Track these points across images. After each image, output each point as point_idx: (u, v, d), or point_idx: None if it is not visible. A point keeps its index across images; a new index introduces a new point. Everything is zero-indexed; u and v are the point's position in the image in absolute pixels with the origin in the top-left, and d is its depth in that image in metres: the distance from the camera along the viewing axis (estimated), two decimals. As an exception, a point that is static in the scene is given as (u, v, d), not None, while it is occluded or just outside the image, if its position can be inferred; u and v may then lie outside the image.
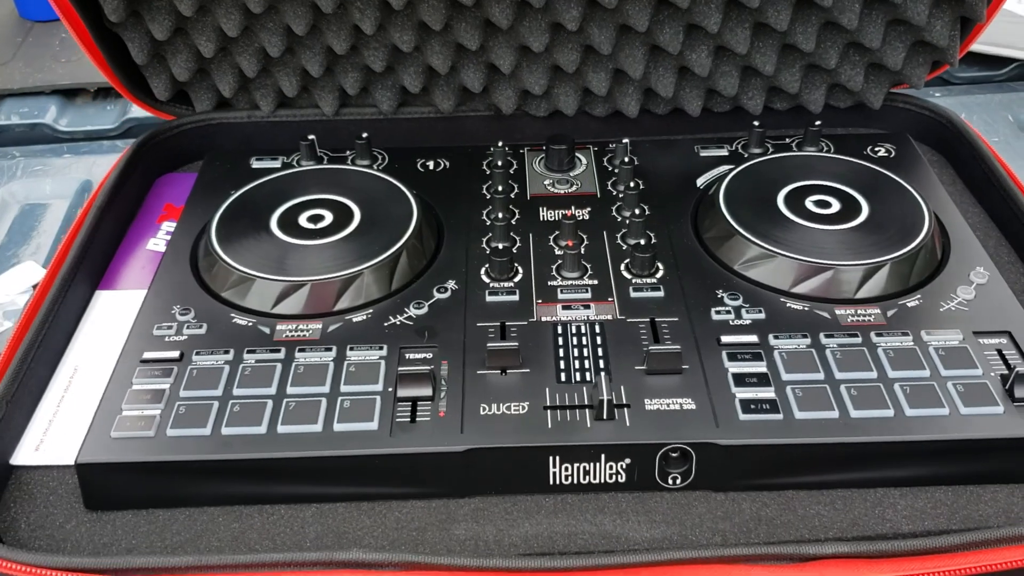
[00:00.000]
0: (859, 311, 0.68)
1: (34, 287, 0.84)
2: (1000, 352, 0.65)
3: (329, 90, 0.92)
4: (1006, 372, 0.63)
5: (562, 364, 0.64)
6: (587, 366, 0.64)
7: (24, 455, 0.63)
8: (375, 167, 0.86)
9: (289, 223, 0.76)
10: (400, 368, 0.63)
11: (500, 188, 0.81)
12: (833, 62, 0.87)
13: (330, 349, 0.66)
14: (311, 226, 0.75)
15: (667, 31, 0.85)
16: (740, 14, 0.85)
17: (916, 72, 0.89)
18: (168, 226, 0.85)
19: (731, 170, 0.81)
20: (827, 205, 0.76)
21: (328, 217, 0.76)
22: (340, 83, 0.91)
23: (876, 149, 0.87)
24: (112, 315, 0.75)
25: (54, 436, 0.65)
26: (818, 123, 0.86)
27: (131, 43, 0.86)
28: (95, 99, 1.16)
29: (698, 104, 0.91)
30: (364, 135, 0.87)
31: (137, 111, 1.11)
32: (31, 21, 1.31)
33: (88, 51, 0.85)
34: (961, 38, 0.87)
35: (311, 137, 0.86)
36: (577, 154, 0.87)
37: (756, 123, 0.86)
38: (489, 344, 0.64)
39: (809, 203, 0.76)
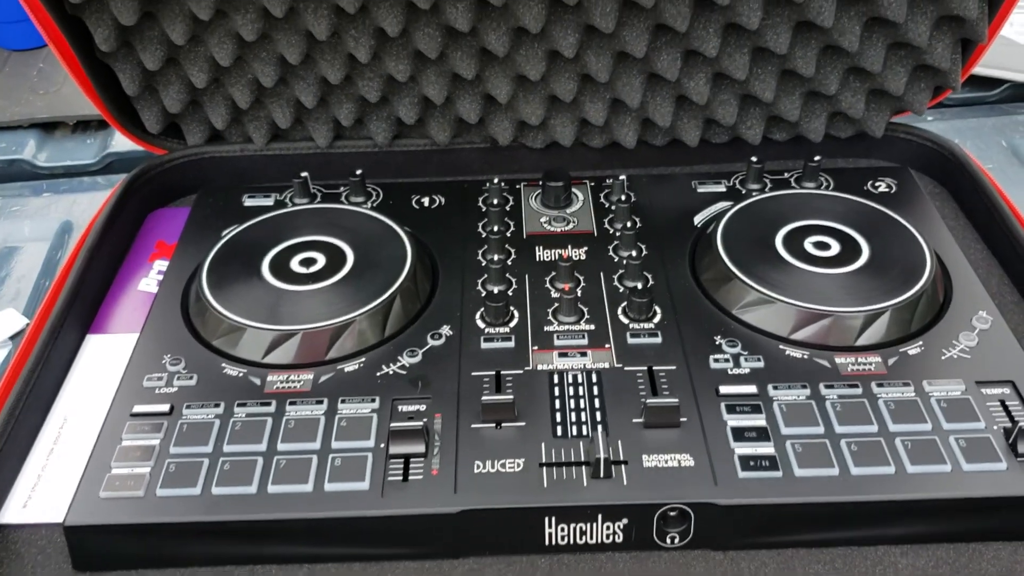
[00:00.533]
0: (859, 359, 0.67)
1: (12, 338, 0.83)
2: (1003, 403, 0.64)
3: (323, 121, 0.91)
4: (1009, 425, 0.62)
5: (558, 417, 0.63)
6: (584, 419, 0.63)
7: (11, 513, 0.62)
8: (369, 204, 0.85)
9: (281, 267, 0.75)
10: (392, 424, 0.62)
11: (496, 228, 0.80)
12: (834, 88, 0.86)
13: (321, 402, 0.65)
14: (303, 270, 0.74)
15: (665, 57, 0.84)
16: (739, 38, 0.83)
17: (918, 98, 0.88)
18: (160, 265, 0.84)
19: (729, 208, 0.80)
20: (826, 247, 0.75)
21: (321, 260, 0.75)
22: (334, 114, 0.90)
23: (877, 184, 0.85)
24: (103, 361, 0.74)
25: (42, 492, 0.64)
26: (817, 158, 0.85)
27: (122, 74, 0.85)
28: (74, 132, 1.14)
29: (696, 134, 0.90)
30: (358, 172, 0.86)
31: (118, 145, 1.09)
32: (7, 50, 1.28)
33: (80, 82, 0.84)
34: (962, 61, 0.86)
35: (304, 175, 0.85)
36: (574, 190, 0.86)
37: (754, 159, 0.85)
38: (484, 398, 0.63)
39: (808, 244, 0.75)
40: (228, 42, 0.83)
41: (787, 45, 0.82)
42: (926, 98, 0.88)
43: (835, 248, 0.75)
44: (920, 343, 0.68)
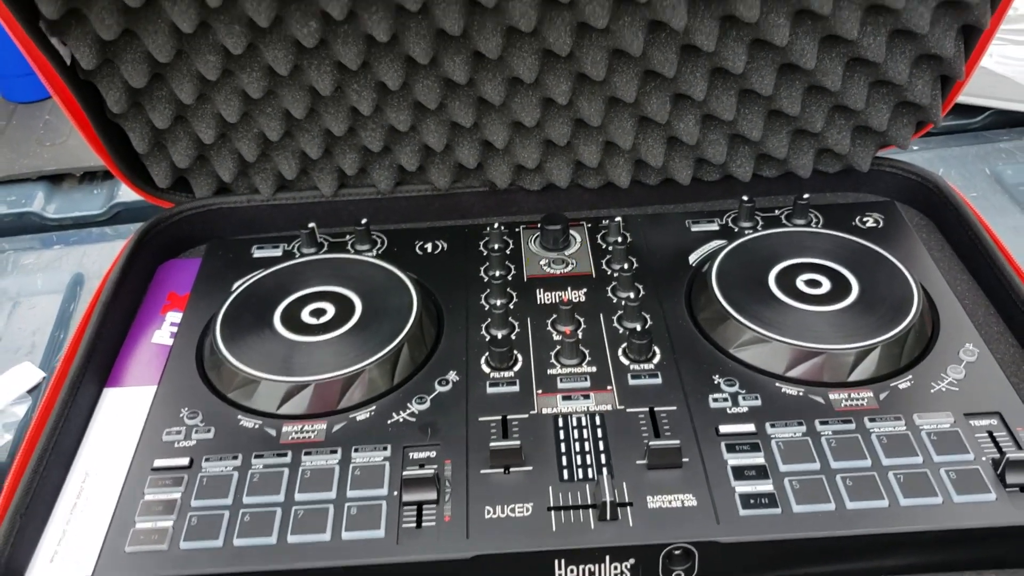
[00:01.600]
0: (852, 395, 0.70)
1: (30, 392, 0.85)
2: (991, 434, 0.66)
3: (328, 171, 0.93)
4: (997, 456, 0.64)
5: (564, 460, 0.66)
6: (589, 461, 0.66)
7: (40, 569, 0.64)
8: (374, 251, 0.88)
9: (292, 318, 0.77)
10: (404, 472, 0.64)
11: (497, 273, 0.83)
12: (819, 125, 0.89)
13: (335, 451, 0.67)
14: (313, 321, 0.77)
15: (654, 101, 0.87)
16: (725, 81, 0.86)
17: (902, 133, 0.91)
18: (172, 316, 0.86)
19: (722, 247, 0.83)
20: (818, 284, 0.78)
21: (330, 310, 0.78)
22: (338, 164, 0.93)
23: (864, 219, 0.88)
24: (121, 414, 0.76)
25: (68, 546, 0.66)
26: (806, 196, 0.88)
27: (132, 132, 0.88)
28: (81, 183, 1.17)
29: (688, 173, 0.93)
30: (364, 221, 0.88)
31: (125, 195, 1.12)
32: (14, 103, 1.30)
33: (90, 141, 0.87)
34: (943, 95, 0.89)
35: (311, 225, 0.88)
36: (571, 231, 0.89)
37: (745, 197, 0.88)
38: (492, 443, 0.65)
39: (800, 282, 0.78)
40: (235, 99, 0.86)
41: (772, 87, 0.85)
42: (910, 132, 0.91)
43: (826, 285, 0.78)
44: (910, 377, 0.71)
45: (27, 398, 0.85)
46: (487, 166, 0.93)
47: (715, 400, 0.70)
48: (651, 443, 0.64)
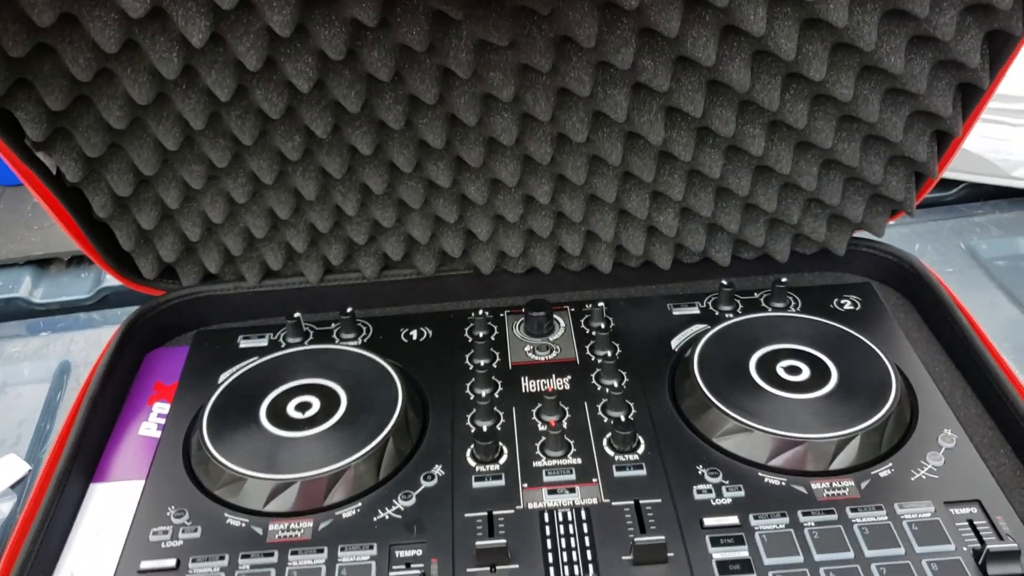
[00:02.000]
0: (834, 483, 0.70)
1: (14, 486, 0.85)
2: (971, 522, 0.67)
3: (313, 259, 0.95)
4: (978, 546, 0.65)
5: (550, 558, 0.66)
6: (575, 558, 0.66)
7: None
8: (359, 339, 0.89)
9: (278, 413, 0.78)
10: (391, 573, 0.64)
11: (482, 362, 0.84)
12: (796, 218, 0.91)
13: (322, 551, 0.67)
14: (299, 415, 0.77)
15: (634, 199, 0.89)
16: (703, 181, 0.88)
17: (877, 221, 0.93)
18: (159, 407, 0.86)
19: (703, 332, 0.84)
20: (797, 371, 0.79)
21: (316, 404, 0.78)
22: (324, 253, 0.94)
23: (842, 302, 0.90)
24: (107, 511, 0.76)
25: (53, 654, 0.66)
26: (784, 280, 0.89)
27: (119, 231, 0.89)
28: (69, 267, 1.17)
29: (668, 259, 0.95)
30: (349, 309, 0.89)
31: (112, 279, 1.12)
32: (1, 187, 1.31)
33: (76, 239, 0.88)
34: (916, 187, 0.91)
35: (297, 315, 0.89)
36: (555, 316, 0.90)
37: (724, 282, 0.90)
38: (478, 543, 0.66)
39: (780, 369, 0.79)
40: (220, 201, 0.87)
41: (748, 188, 0.87)
42: (884, 221, 0.93)
43: (806, 372, 0.79)
44: (890, 464, 0.72)
45: (11, 494, 0.85)
46: (471, 253, 0.95)
47: (699, 492, 0.70)
48: (636, 539, 0.65)
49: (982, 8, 0.74)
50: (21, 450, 0.91)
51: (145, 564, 0.67)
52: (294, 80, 0.76)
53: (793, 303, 0.90)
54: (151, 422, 0.85)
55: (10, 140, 0.78)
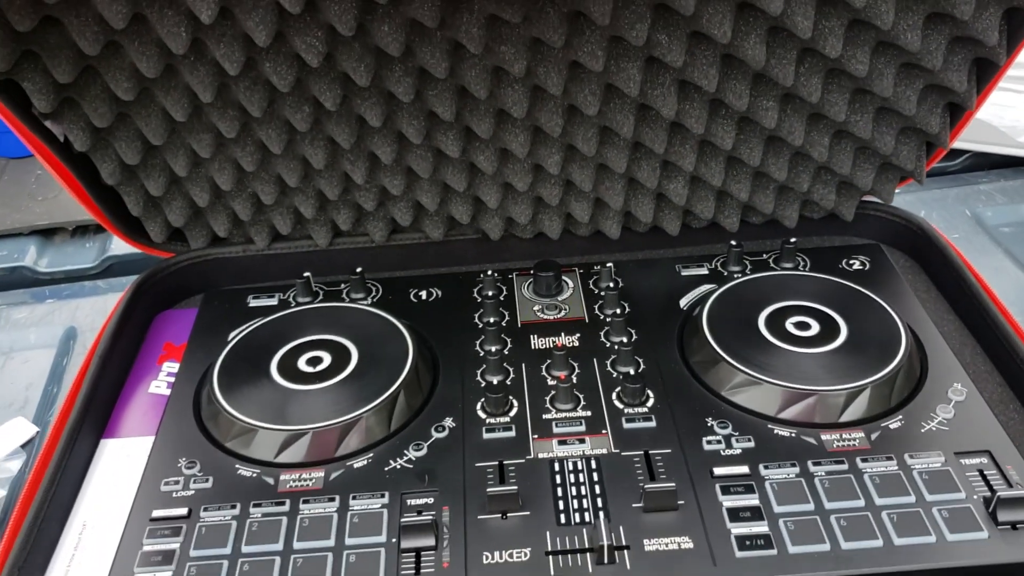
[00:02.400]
0: (844, 435, 0.71)
1: (23, 446, 0.85)
2: (981, 472, 0.67)
3: (322, 223, 0.95)
4: (988, 494, 0.65)
5: (561, 505, 0.66)
6: (586, 506, 0.66)
7: (37, 622, 0.64)
8: (369, 299, 0.89)
9: (288, 367, 0.78)
10: (402, 519, 0.64)
11: (491, 319, 0.84)
12: (806, 185, 0.91)
13: (333, 499, 0.67)
14: (310, 369, 0.78)
15: (644, 168, 0.89)
16: (714, 151, 0.88)
17: (886, 188, 0.93)
18: (169, 366, 0.87)
19: (712, 291, 0.84)
20: (807, 327, 0.79)
21: (327, 359, 0.79)
22: (333, 218, 0.94)
23: (851, 262, 0.90)
24: (118, 465, 0.76)
25: (66, 599, 0.66)
26: (793, 240, 0.89)
27: (127, 197, 0.89)
28: (73, 236, 1.18)
29: (677, 224, 0.94)
30: (359, 270, 0.89)
31: (117, 248, 1.13)
32: (5, 159, 1.31)
33: (85, 205, 0.88)
34: (926, 156, 0.91)
35: (306, 275, 0.89)
36: (564, 277, 0.90)
37: (733, 242, 0.90)
38: (489, 489, 0.66)
39: (789, 325, 0.79)
40: (229, 169, 0.87)
41: (759, 158, 0.87)
42: (893, 188, 0.93)
43: (815, 328, 0.79)
44: (900, 417, 0.72)
45: (21, 453, 0.85)
46: (480, 219, 0.95)
47: (709, 443, 0.70)
48: (647, 486, 0.65)
49: None
50: (29, 413, 0.91)
51: (157, 512, 0.68)
52: (303, 54, 0.75)
53: (802, 263, 0.90)
54: (161, 380, 0.85)
55: (17, 109, 0.78)
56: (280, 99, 0.82)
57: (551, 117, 0.84)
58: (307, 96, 0.81)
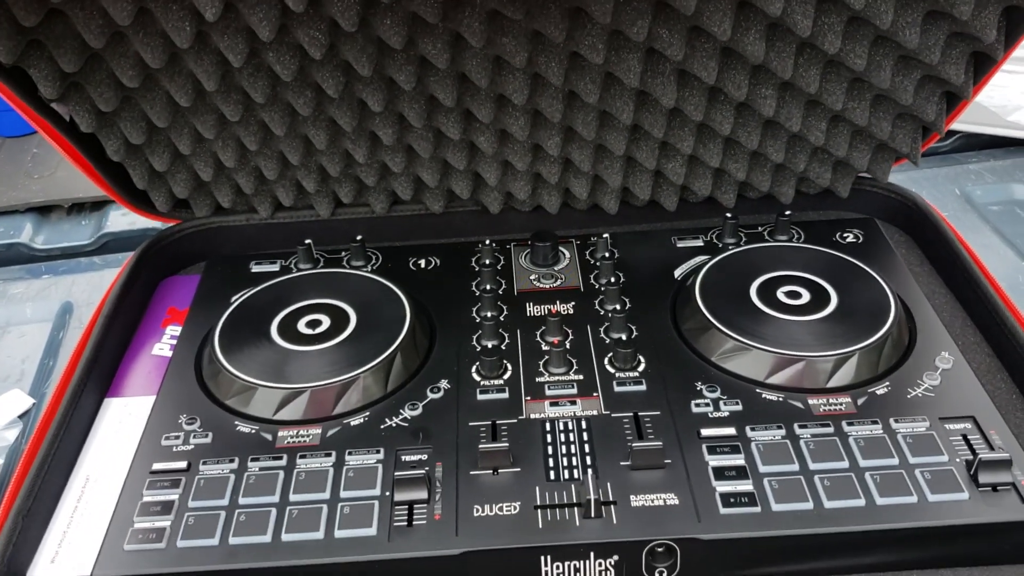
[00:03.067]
0: (831, 400, 0.72)
1: (21, 417, 0.86)
2: (965, 437, 0.68)
3: (324, 195, 0.96)
4: (971, 457, 0.66)
5: (551, 462, 0.68)
6: (575, 463, 0.68)
7: (41, 568, 0.66)
8: (369, 267, 0.91)
9: (288, 329, 0.80)
10: (396, 473, 0.66)
11: (488, 287, 0.86)
12: (802, 165, 0.92)
13: (330, 454, 0.69)
14: (309, 331, 0.79)
15: (643, 149, 0.90)
16: (712, 134, 0.89)
17: (881, 167, 0.94)
18: (172, 330, 0.88)
19: (706, 262, 0.85)
20: (798, 296, 0.80)
21: (326, 322, 0.80)
22: (334, 191, 0.96)
23: (845, 235, 0.91)
24: (121, 423, 0.78)
25: (69, 547, 0.68)
26: (788, 212, 0.91)
27: (132, 171, 0.90)
28: (69, 214, 1.19)
29: (674, 200, 0.96)
30: (359, 238, 0.91)
31: (113, 225, 1.14)
32: (2, 137, 1.32)
33: (91, 177, 0.89)
34: (922, 138, 0.92)
35: (308, 241, 0.91)
36: (561, 248, 0.92)
37: (729, 215, 0.91)
38: (481, 446, 0.67)
39: (781, 294, 0.80)
40: (232, 147, 0.89)
41: (758, 141, 0.89)
42: (888, 167, 0.94)
43: (806, 297, 0.80)
44: (887, 383, 0.73)
45: (18, 423, 0.87)
46: (480, 194, 0.96)
47: (697, 405, 0.72)
48: (634, 444, 0.66)
49: None
50: (25, 385, 0.92)
51: (157, 465, 0.69)
52: (307, 47, 0.77)
53: (796, 236, 0.91)
54: (164, 343, 0.87)
55: (22, 92, 0.79)
56: (283, 85, 0.83)
57: (551, 103, 0.85)
58: (310, 82, 0.83)
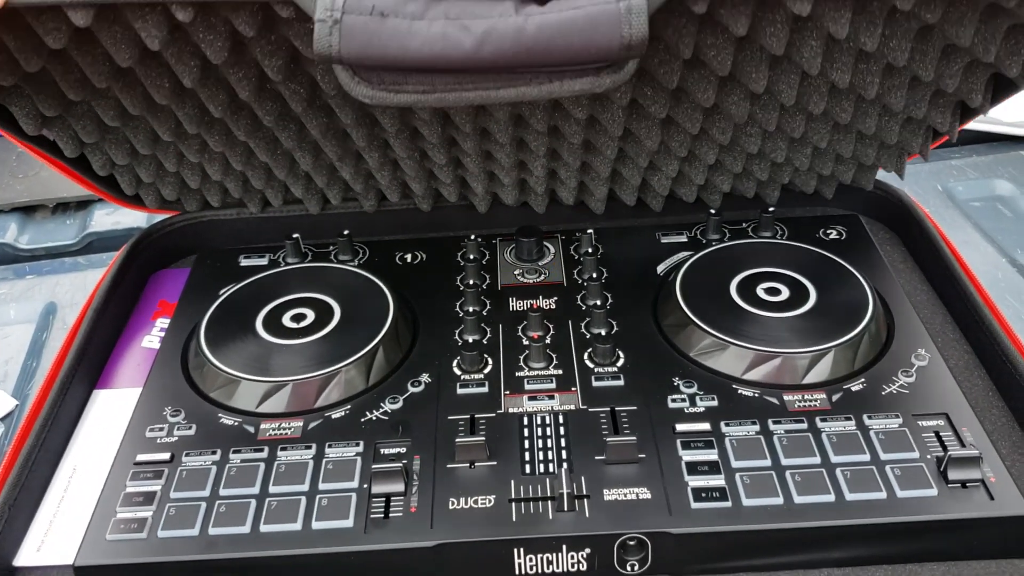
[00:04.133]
0: (806, 396, 0.73)
1: (3, 419, 0.87)
2: (937, 434, 0.69)
3: (313, 196, 0.97)
4: (941, 454, 0.67)
5: (527, 456, 0.69)
6: (551, 457, 0.69)
7: (26, 556, 0.68)
8: (356, 261, 0.92)
9: (273, 323, 0.81)
10: (374, 466, 0.67)
11: (472, 282, 0.87)
12: (787, 178, 0.93)
13: (310, 447, 0.70)
14: (294, 325, 0.80)
15: (630, 164, 0.90)
16: (698, 161, 0.90)
17: (865, 176, 0.94)
18: (162, 322, 0.90)
19: (688, 258, 0.86)
20: (777, 292, 0.81)
21: (310, 316, 0.81)
22: (323, 192, 0.96)
23: (828, 232, 0.92)
24: (109, 414, 0.80)
25: (54, 537, 0.69)
26: (771, 209, 0.91)
27: (122, 181, 0.91)
28: (54, 214, 1.19)
29: (659, 202, 0.96)
30: (346, 232, 0.92)
31: (97, 224, 1.14)
32: None
33: (82, 184, 0.89)
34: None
35: (295, 236, 0.92)
36: (546, 243, 0.93)
37: (713, 211, 0.91)
38: (458, 439, 0.68)
39: (760, 291, 0.81)
40: (218, 161, 0.89)
41: (742, 165, 0.90)
42: (873, 177, 0.94)
43: (785, 293, 0.81)
44: (863, 380, 0.74)
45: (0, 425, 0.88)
46: (467, 196, 0.97)
47: (674, 401, 0.73)
48: (609, 439, 0.67)
49: None
50: (8, 387, 0.91)
51: (141, 457, 0.71)
52: (289, 101, 0.78)
53: (780, 232, 0.91)
54: (154, 335, 0.88)
55: (7, 123, 0.79)
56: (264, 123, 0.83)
57: (537, 137, 0.84)
58: (293, 118, 0.83)
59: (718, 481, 0.66)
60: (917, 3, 0.67)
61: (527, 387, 0.75)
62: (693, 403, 0.72)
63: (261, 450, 0.70)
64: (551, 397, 0.74)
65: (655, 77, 0.75)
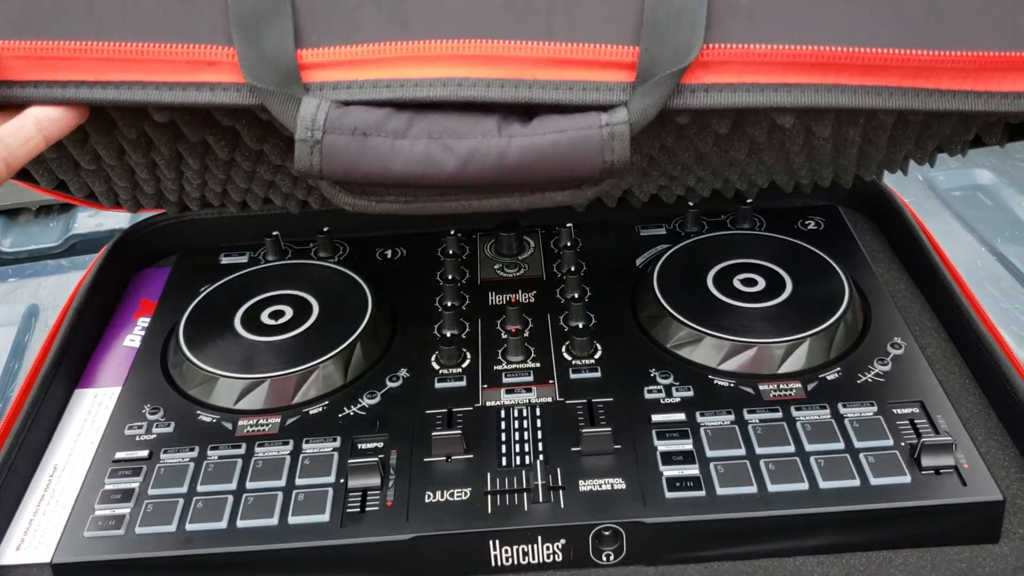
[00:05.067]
0: (781, 386, 0.73)
1: None
2: (912, 422, 0.69)
3: (292, 201, 0.97)
4: (915, 441, 0.67)
5: (504, 449, 0.69)
6: (527, 449, 0.69)
7: (7, 555, 0.68)
8: (336, 258, 0.92)
9: (251, 320, 0.81)
10: (351, 460, 0.67)
11: (451, 276, 0.87)
12: (765, 185, 0.93)
13: (287, 443, 0.71)
14: (272, 322, 0.81)
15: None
16: (676, 184, 0.90)
17: (844, 179, 0.94)
18: (144, 321, 0.90)
19: (666, 250, 0.86)
20: (753, 283, 0.81)
21: (288, 312, 0.82)
22: (304, 199, 0.96)
23: (806, 223, 0.92)
24: (91, 413, 0.80)
25: (34, 535, 0.69)
26: (749, 200, 0.91)
27: (101, 199, 0.91)
28: (37, 216, 1.19)
29: (640, 204, 0.97)
30: (325, 228, 0.92)
31: (81, 227, 1.14)
32: None
33: (63, 198, 0.89)
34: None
35: (275, 233, 0.92)
36: (526, 237, 0.93)
37: (691, 203, 0.92)
38: (434, 433, 0.69)
39: (736, 282, 0.81)
40: (196, 180, 0.89)
41: (722, 183, 0.90)
42: (850, 181, 0.94)
43: (761, 284, 0.81)
44: (838, 369, 0.74)
45: None
46: None
47: (650, 392, 0.73)
48: (584, 431, 0.68)
49: None
50: None
51: (119, 454, 0.71)
52: (267, 152, 0.78)
53: (759, 224, 0.92)
54: (135, 335, 0.89)
55: None
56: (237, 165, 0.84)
57: None
58: (277, 166, 0.84)
59: (692, 471, 0.66)
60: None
61: (505, 380, 0.75)
62: (669, 394, 0.73)
63: (239, 446, 0.71)
64: (529, 390, 0.74)
65: (637, 140, 0.75)
